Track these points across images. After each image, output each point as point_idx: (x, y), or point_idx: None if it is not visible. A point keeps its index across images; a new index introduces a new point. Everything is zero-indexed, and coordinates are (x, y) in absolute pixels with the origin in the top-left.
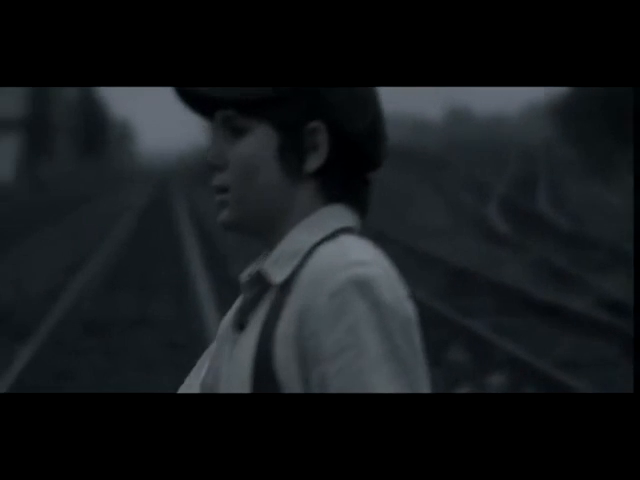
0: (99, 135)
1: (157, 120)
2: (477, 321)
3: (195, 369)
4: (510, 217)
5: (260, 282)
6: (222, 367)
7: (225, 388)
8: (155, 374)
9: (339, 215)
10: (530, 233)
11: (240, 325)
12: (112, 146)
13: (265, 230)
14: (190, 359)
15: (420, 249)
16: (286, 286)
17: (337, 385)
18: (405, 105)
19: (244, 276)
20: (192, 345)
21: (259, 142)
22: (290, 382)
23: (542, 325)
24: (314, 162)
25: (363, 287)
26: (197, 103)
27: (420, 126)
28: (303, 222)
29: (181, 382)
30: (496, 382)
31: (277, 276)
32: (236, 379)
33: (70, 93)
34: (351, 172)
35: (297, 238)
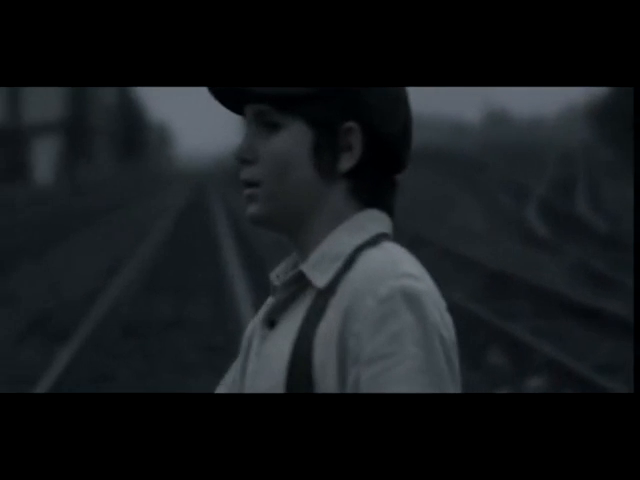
0: (137, 138)
1: (195, 123)
2: (516, 324)
3: (229, 371)
4: (548, 219)
5: (298, 283)
6: (249, 362)
7: (251, 383)
8: (192, 376)
9: (378, 219)
10: (568, 235)
11: (271, 323)
12: (150, 149)
13: (293, 227)
14: (227, 361)
15: (458, 252)
16: (328, 288)
17: (367, 390)
18: (443, 108)
19: (274, 276)
20: (229, 347)
21: (294, 138)
22: (325, 381)
23: (580, 328)
24: (347, 162)
25: (412, 300)
26: (232, 96)
27: (458, 128)
28: (343, 224)
29: (217, 384)
30: (534, 385)
31: (320, 280)
32: (266, 375)
33: (109, 96)
34: (381, 173)
35: (338, 240)
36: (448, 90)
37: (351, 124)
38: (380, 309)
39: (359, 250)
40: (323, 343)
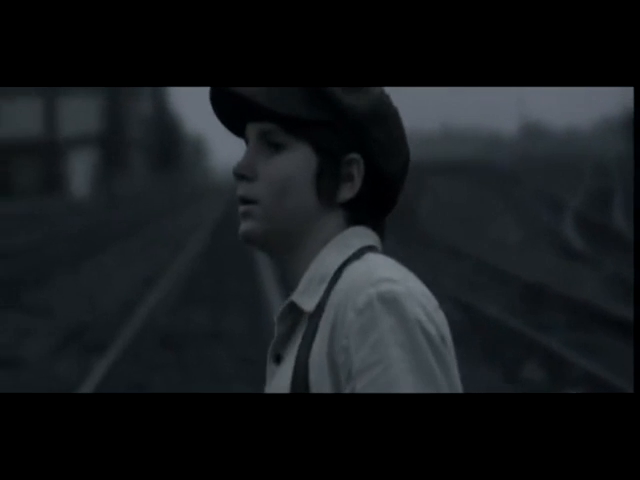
0: (173, 150)
1: (231, 135)
2: (551, 337)
3: None
4: (584, 231)
5: (293, 313)
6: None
7: None
8: (228, 389)
9: (363, 235)
10: (605, 248)
11: (277, 357)
12: (186, 161)
13: (284, 249)
14: (262, 373)
15: (494, 264)
16: (317, 310)
17: None
18: (479, 120)
19: (279, 310)
20: (264, 360)
21: (298, 161)
22: None
23: (617, 341)
24: (347, 193)
25: (390, 302)
26: (240, 112)
27: (494, 141)
28: (329, 244)
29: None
30: None
31: (308, 304)
32: None
33: (145, 108)
34: (376, 208)
35: (324, 262)
36: (483, 102)
37: (355, 156)
38: (360, 319)
39: (343, 266)
40: (317, 364)
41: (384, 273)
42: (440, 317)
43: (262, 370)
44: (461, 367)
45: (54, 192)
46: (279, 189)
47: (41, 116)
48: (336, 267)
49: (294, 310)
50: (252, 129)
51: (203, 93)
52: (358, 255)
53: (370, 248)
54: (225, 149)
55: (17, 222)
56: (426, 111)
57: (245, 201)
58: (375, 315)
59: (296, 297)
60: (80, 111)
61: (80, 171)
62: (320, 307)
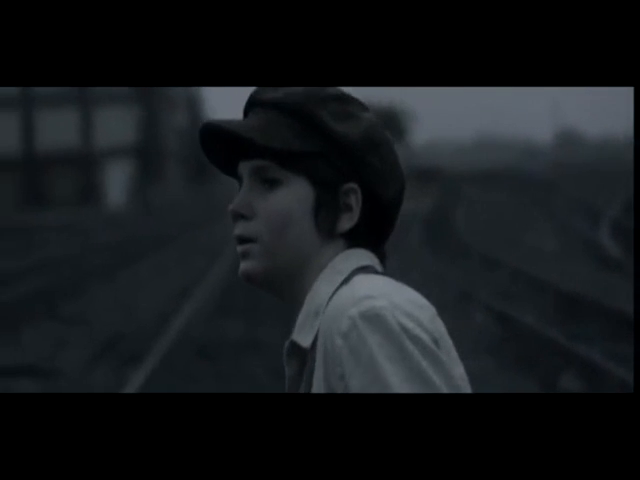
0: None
1: None
2: (589, 347)
3: None
4: (621, 240)
5: (296, 352)
6: None
7: None
8: None
9: (355, 256)
10: None
11: None
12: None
13: (285, 285)
14: None
15: (530, 273)
16: (313, 344)
17: None
18: (513, 128)
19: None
20: None
21: (295, 195)
22: None
23: None
24: (346, 223)
25: (372, 318)
26: (232, 150)
27: (529, 148)
28: (321, 274)
29: None
30: None
31: (305, 340)
32: None
33: (180, 119)
34: (375, 235)
35: (316, 295)
36: (518, 110)
37: (352, 185)
38: (347, 343)
39: (333, 295)
40: None
41: (364, 292)
42: (436, 323)
43: None
44: (497, 377)
45: (90, 203)
46: (278, 225)
47: (77, 127)
48: (326, 298)
49: (296, 349)
50: (245, 167)
51: (237, 103)
52: (347, 280)
53: (363, 269)
54: None
55: (54, 233)
56: (460, 120)
57: (243, 240)
58: (361, 335)
59: (295, 335)
60: (116, 122)
61: (116, 182)
62: (315, 340)
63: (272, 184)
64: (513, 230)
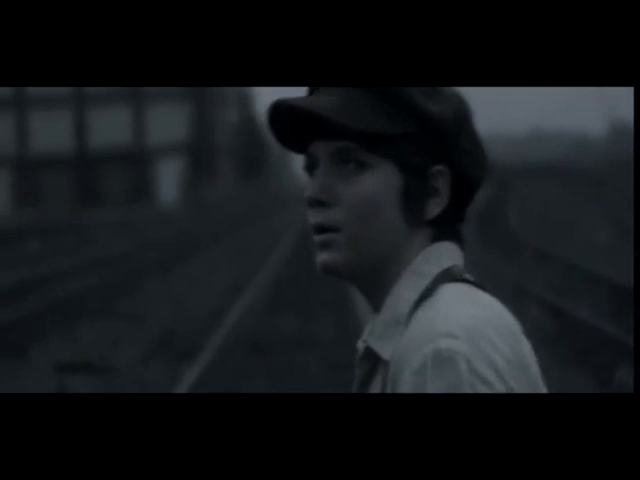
0: (259, 156)
1: None
2: None
3: None
4: None
5: (370, 356)
6: None
7: None
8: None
9: (441, 254)
10: None
11: None
12: (272, 167)
13: (370, 277)
14: (351, 379)
15: (584, 267)
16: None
17: None
18: (566, 121)
19: (361, 341)
20: (353, 365)
21: (382, 180)
22: None
23: None
24: (435, 208)
25: (443, 364)
26: (305, 129)
27: (582, 143)
28: (404, 273)
29: None
30: None
31: (385, 352)
32: None
33: (231, 116)
34: (459, 217)
35: (398, 299)
36: (570, 104)
37: (441, 167)
38: (413, 380)
39: (417, 306)
40: None
41: (447, 326)
42: (518, 352)
43: (351, 374)
44: (552, 371)
45: (143, 200)
46: (364, 213)
47: (130, 125)
48: (409, 307)
49: (372, 355)
50: (323, 147)
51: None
52: (432, 289)
53: (447, 272)
54: None
55: (108, 230)
56: (514, 113)
57: (324, 229)
58: (426, 379)
59: (373, 342)
60: (168, 119)
61: (168, 179)
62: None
63: (357, 168)
64: (566, 224)
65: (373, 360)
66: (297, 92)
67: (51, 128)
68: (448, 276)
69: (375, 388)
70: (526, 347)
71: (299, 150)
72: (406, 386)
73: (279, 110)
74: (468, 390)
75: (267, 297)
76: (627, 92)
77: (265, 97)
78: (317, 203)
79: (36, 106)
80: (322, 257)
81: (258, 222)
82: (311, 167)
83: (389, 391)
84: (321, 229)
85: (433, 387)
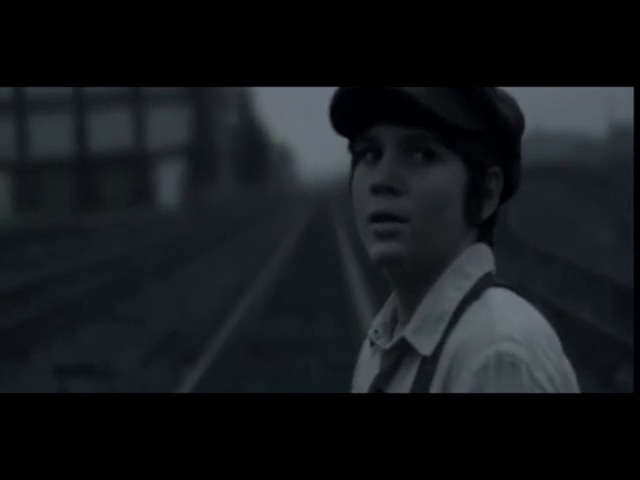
0: (259, 158)
1: (317, 142)
2: None
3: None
4: None
5: (401, 348)
6: None
7: None
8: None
9: (481, 257)
10: None
11: (377, 391)
12: (272, 169)
13: (422, 272)
14: (353, 379)
15: (586, 268)
16: (433, 355)
17: None
18: (568, 122)
19: (372, 331)
20: (354, 366)
21: (452, 174)
22: None
23: None
24: (488, 210)
25: (505, 368)
26: (377, 111)
27: (583, 143)
28: (447, 271)
29: None
30: None
31: (425, 347)
32: None
33: (231, 118)
34: (496, 221)
35: (441, 297)
36: (572, 104)
37: (497, 169)
38: (472, 382)
39: (463, 306)
40: None
41: (506, 329)
42: (563, 361)
43: (351, 377)
44: None
45: (143, 203)
46: (434, 206)
47: (130, 127)
48: (455, 306)
49: (405, 347)
50: (394, 132)
51: (288, 101)
52: (477, 291)
53: (489, 276)
54: (310, 156)
55: (108, 233)
56: None
57: (390, 218)
58: (487, 381)
59: (410, 335)
60: (168, 122)
61: (169, 181)
62: (436, 353)
63: (425, 158)
64: (568, 225)
65: (400, 352)
66: (298, 92)
67: (51, 131)
68: (490, 280)
69: (405, 381)
70: (566, 360)
71: (349, 133)
72: (464, 386)
73: (356, 90)
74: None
75: (268, 300)
76: (627, 92)
77: (265, 99)
78: (386, 190)
79: (36, 109)
80: (383, 247)
81: (258, 224)
82: (364, 152)
83: (435, 389)
84: (387, 217)
85: (492, 389)
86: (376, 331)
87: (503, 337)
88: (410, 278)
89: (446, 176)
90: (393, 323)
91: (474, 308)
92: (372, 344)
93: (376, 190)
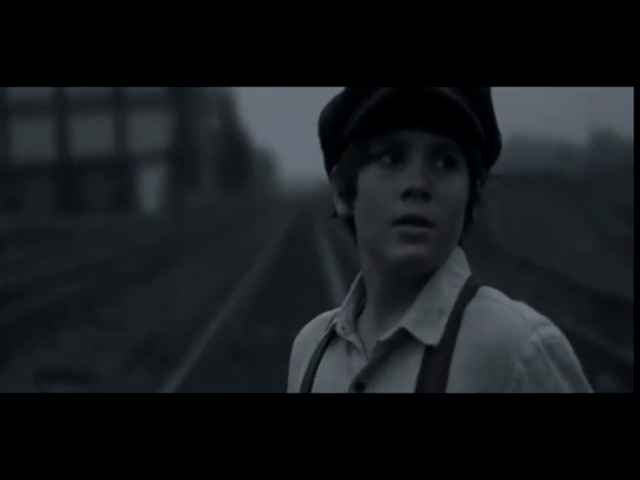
0: (242, 164)
1: (299, 148)
2: (626, 349)
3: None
4: None
5: (395, 341)
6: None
7: None
8: None
9: (463, 260)
10: None
11: (357, 386)
12: (255, 175)
13: (429, 272)
14: None
15: (567, 275)
16: (442, 345)
17: None
18: (548, 129)
19: (340, 328)
20: None
21: (464, 182)
22: None
23: None
24: (476, 214)
25: (556, 349)
26: (434, 120)
27: (564, 150)
28: (438, 271)
29: None
30: None
31: (431, 336)
32: None
33: (214, 123)
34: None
35: (439, 292)
36: (553, 111)
37: (484, 175)
38: (531, 369)
39: (462, 301)
40: None
41: (533, 315)
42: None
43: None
44: None
45: (125, 207)
46: (455, 212)
47: (112, 132)
48: (454, 301)
49: (404, 338)
50: (424, 139)
51: (271, 107)
52: (471, 289)
53: (473, 276)
54: (292, 163)
55: (90, 238)
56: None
57: (421, 222)
58: (546, 365)
59: (411, 327)
60: (149, 126)
61: (150, 186)
62: (446, 343)
63: (445, 165)
64: (548, 231)
65: (393, 344)
66: (281, 92)
67: (33, 135)
68: (477, 280)
69: (402, 372)
70: None
71: (364, 133)
72: (523, 377)
73: (407, 90)
74: (579, 366)
75: (250, 305)
76: (610, 98)
77: (246, 103)
78: (420, 195)
79: (17, 113)
80: (412, 249)
81: (240, 230)
82: (380, 154)
83: (458, 379)
84: (420, 222)
85: (557, 370)
86: (343, 328)
87: (538, 323)
88: (415, 277)
89: (462, 183)
90: (356, 321)
91: (481, 305)
92: (332, 339)
93: (409, 194)
